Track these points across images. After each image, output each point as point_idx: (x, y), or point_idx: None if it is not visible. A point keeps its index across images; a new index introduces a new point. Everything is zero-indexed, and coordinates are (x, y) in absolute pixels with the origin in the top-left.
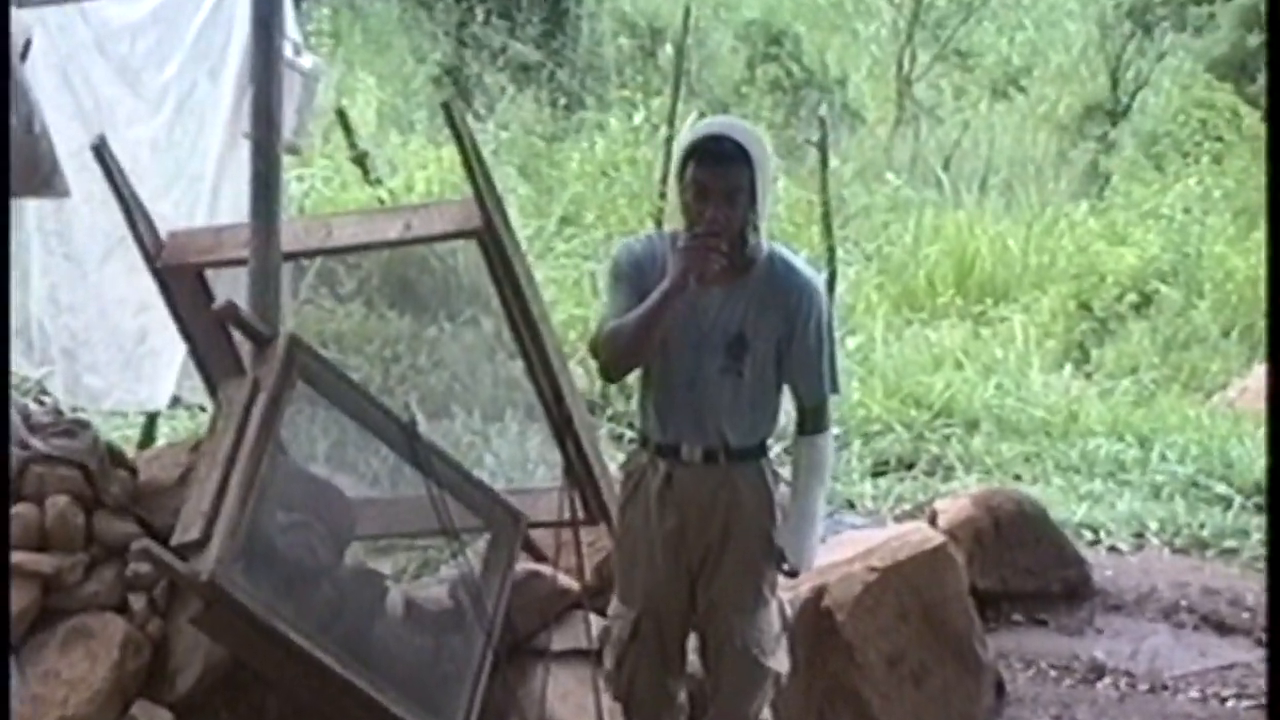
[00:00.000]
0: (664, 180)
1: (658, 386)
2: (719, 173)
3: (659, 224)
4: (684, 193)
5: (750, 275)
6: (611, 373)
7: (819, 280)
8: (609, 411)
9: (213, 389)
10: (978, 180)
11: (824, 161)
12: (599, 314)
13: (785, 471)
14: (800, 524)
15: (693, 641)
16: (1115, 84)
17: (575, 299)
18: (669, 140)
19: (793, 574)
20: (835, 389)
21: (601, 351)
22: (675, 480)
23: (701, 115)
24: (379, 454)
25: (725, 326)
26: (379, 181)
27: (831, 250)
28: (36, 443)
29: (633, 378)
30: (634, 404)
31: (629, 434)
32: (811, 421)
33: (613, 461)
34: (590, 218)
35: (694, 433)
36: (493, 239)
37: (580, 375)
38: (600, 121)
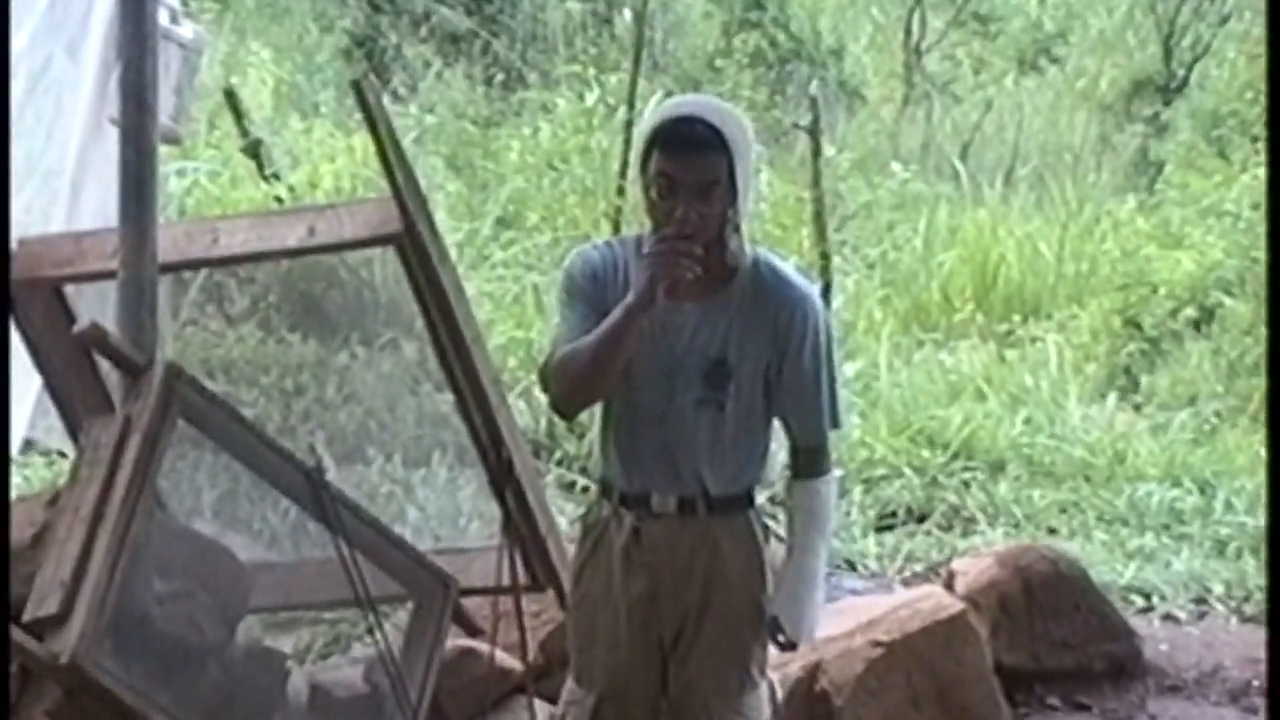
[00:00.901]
0: (623, 173)
1: (621, 424)
2: (690, 163)
3: (617, 227)
4: (648, 188)
5: (731, 287)
6: (564, 407)
7: (815, 292)
8: (558, 454)
9: (73, 430)
10: (1002, 171)
11: (816, 150)
12: (548, 336)
13: (777, 525)
14: (798, 587)
15: None
16: (1168, 54)
17: (516, 318)
18: (629, 125)
19: (790, 647)
20: (837, 423)
21: (552, 382)
22: (644, 536)
23: (668, 94)
24: (278, 508)
25: (703, 349)
26: (276, 176)
27: (826, 257)
28: None
29: (588, 414)
30: (590, 445)
31: (582, 481)
32: (809, 463)
33: (562, 515)
34: (534, 219)
35: (666, 479)
36: (415, 246)
37: (522, 410)
38: (545, 102)
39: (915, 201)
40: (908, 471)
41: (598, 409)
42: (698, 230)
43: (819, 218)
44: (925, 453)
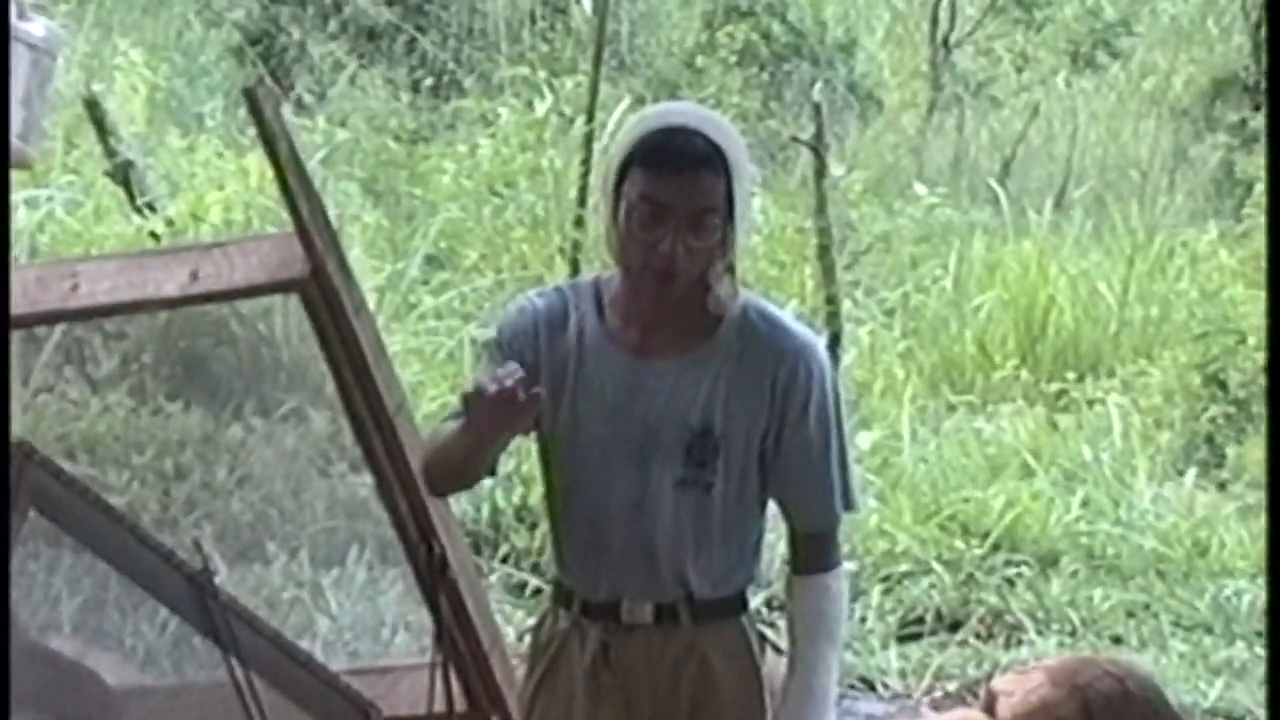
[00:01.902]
0: (583, 200)
1: (580, 514)
2: (683, 185)
3: (575, 267)
4: (625, 215)
5: (715, 340)
6: (430, 489)
7: (819, 343)
8: (503, 549)
9: None
10: (1052, 193)
11: (820, 169)
12: None
13: (775, 633)
14: (806, 709)
15: None
16: (1257, 46)
17: (450, 379)
18: (589, 140)
19: None
20: (850, 505)
21: (423, 454)
22: (615, 653)
23: (638, 101)
24: (155, 620)
25: (683, 418)
26: (151, 207)
27: (833, 301)
28: None
29: (539, 498)
30: (542, 538)
31: (534, 581)
32: (815, 555)
33: (508, 625)
34: (472, 258)
35: (641, 582)
36: (324, 292)
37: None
38: (486, 113)
39: (944, 232)
40: (937, 567)
41: (547, 494)
42: (683, 268)
43: (825, 253)
44: (959, 543)
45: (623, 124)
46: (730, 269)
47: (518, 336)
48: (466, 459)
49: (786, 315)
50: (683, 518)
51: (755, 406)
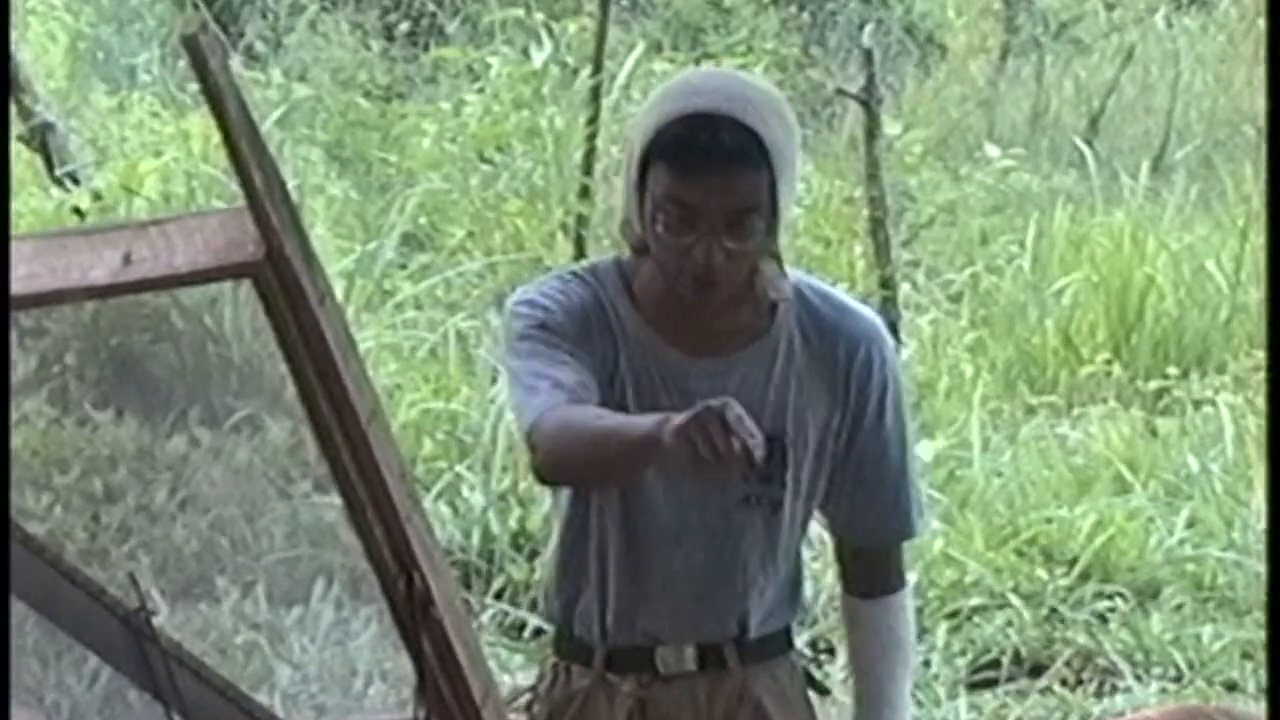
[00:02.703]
0: (589, 166)
1: (610, 544)
2: (715, 186)
3: (580, 246)
4: (651, 214)
5: (775, 329)
6: (553, 473)
7: (883, 325)
8: (498, 582)
9: None
10: (1149, 154)
11: (871, 128)
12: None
13: (822, 673)
14: None
15: None
16: None
17: (433, 381)
18: (596, 93)
19: None
20: (922, 513)
21: (544, 449)
22: (653, 712)
23: (655, 50)
24: (82, 670)
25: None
26: (74, 178)
27: (889, 285)
28: None
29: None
30: (544, 570)
31: (533, 620)
32: (886, 572)
33: (504, 673)
34: (458, 236)
35: (684, 621)
36: (282, 279)
37: (444, 519)
38: (473, 63)
39: (1021, 201)
40: (1015, 601)
41: (558, 519)
42: (724, 275)
43: (878, 227)
44: (1040, 572)
45: (635, 79)
46: (777, 258)
47: (561, 310)
48: (616, 468)
49: (843, 294)
50: (746, 542)
51: (827, 403)
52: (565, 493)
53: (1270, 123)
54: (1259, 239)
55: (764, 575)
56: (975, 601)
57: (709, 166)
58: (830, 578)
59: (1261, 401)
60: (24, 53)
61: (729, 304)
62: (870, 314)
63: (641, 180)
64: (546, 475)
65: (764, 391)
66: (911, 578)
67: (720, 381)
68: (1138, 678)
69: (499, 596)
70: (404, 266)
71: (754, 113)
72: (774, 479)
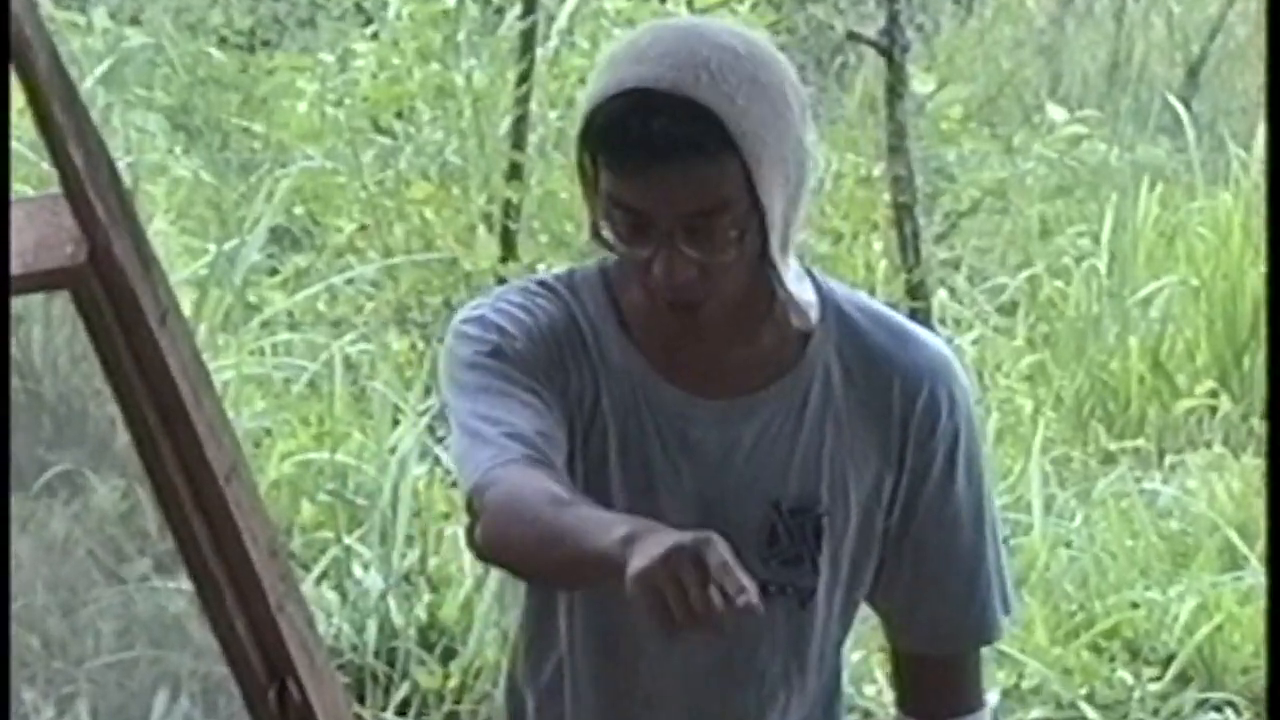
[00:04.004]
0: (519, 139)
1: (585, 642)
2: (658, 182)
3: (508, 242)
4: (602, 211)
5: (807, 361)
6: (490, 555)
7: (954, 360)
8: (400, 692)
9: None
10: (1264, 117)
11: (895, 85)
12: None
13: None
14: None
15: None
16: None
17: (315, 424)
18: (528, 39)
19: None
20: (1008, 607)
21: (487, 520)
22: None
23: None
24: None
25: (770, 487)
26: None
27: (918, 292)
28: None
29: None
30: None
31: None
32: (960, 689)
33: None
34: (345, 231)
35: None
36: (109, 290)
37: (330, 609)
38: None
39: (1094, 178)
40: (1091, 713)
41: (521, 610)
42: (701, 293)
43: (904, 216)
44: (1124, 675)
45: (580, 20)
46: (774, 265)
47: (536, 344)
48: (566, 579)
49: (901, 316)
50: (764, 643)
51: (876, 462)
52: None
53: (1270, 123)
54: None
55: (787, 687)
56: (1038, 714)
57: (647, 161)
58: (879, 689)
59: None
60: None
61: (740, 329)
62: (937, 343)
63: (582, 166)
64: (485, 556)
65: (790, 445)
66: (993, 697)
67: (733, 431)
68: None
69: (403, 711)
70: (274, 272)
71: (711, 83)
72: (803, 561)
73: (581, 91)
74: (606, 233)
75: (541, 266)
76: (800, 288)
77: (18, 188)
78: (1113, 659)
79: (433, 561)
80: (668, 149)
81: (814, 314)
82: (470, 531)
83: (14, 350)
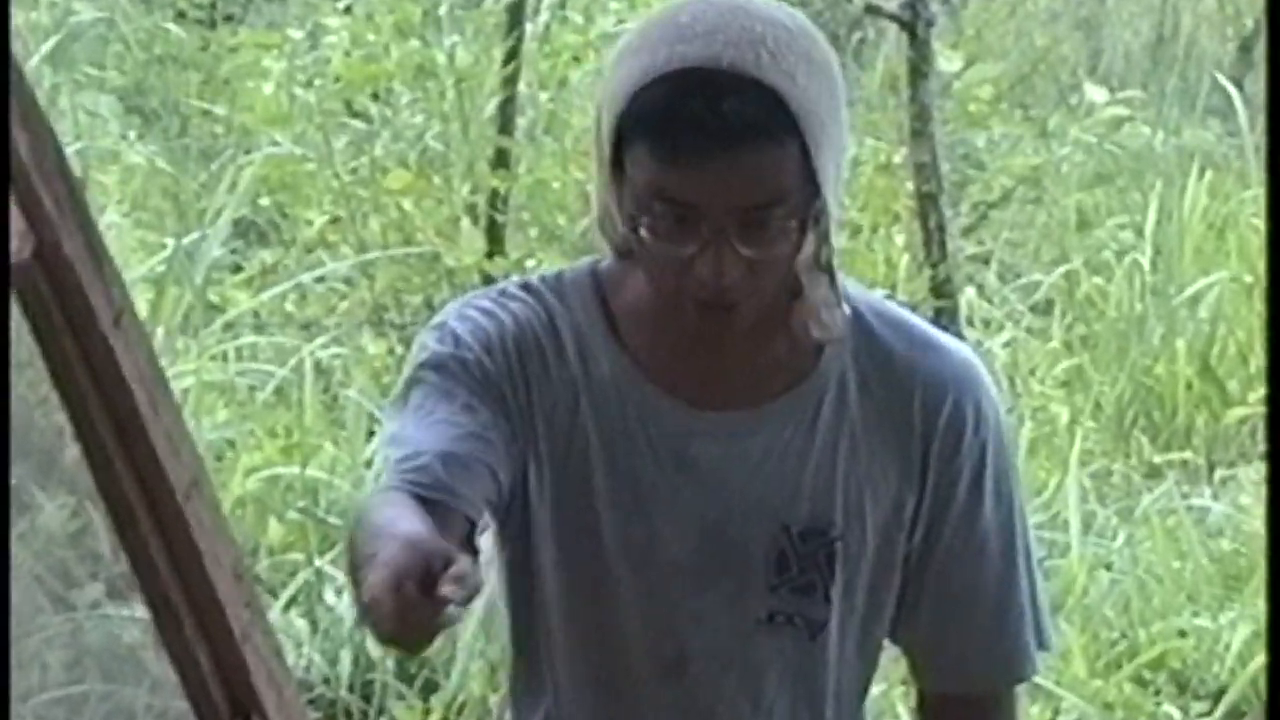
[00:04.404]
0: (506, 122)
1: (580, 673)
2: (720, 173)
3: (494, 235)
4: (633, 207)
5: (820, 372)
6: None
7: (983, 368)
8: None
9: None
10: None
11: (919, 63)
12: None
13: None
14: None
15: None
16: None
17: (282, 436)
18: (515, 12)
19: None
20: (1044, 642)
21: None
22: None
23: None
24: None
25: (778, 509)
26: None
27: (944, 290)
28: None
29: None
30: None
31: None
32: None
33: None
34: (315, 224)
35: None
36: (57, 288)
37: (300, 639)
38: None
39: (1137, 164)
40: None
41: (511, 630)
42: (745, 295)
43: (928, 206)
44: (1171, 709)
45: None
46: (828, 267)
47: (497, 357)
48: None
49: (924, 322)
50: (771, 679)
51: (896, 481)
52: (523, 600)
53: (1270, 120)
54: None
55: None
56: None
57: (709, 148)
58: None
59: None
60: None
61: (753, 335)
62: (964, 350)
63: (617, 161)
64: None
65: (801, 463)
66: None
67: (737, 446)
68: None
69: None
70: (238, 269)
71: (772, 61)
72: (815, 590)
73: (575, 71)
74: (643, 230)
75: (530, 262)
76: (838, 295)
77: None
78: (1158, 692)
79: None
80: (732, 134)
81: (841, 321)
82: None
83: None
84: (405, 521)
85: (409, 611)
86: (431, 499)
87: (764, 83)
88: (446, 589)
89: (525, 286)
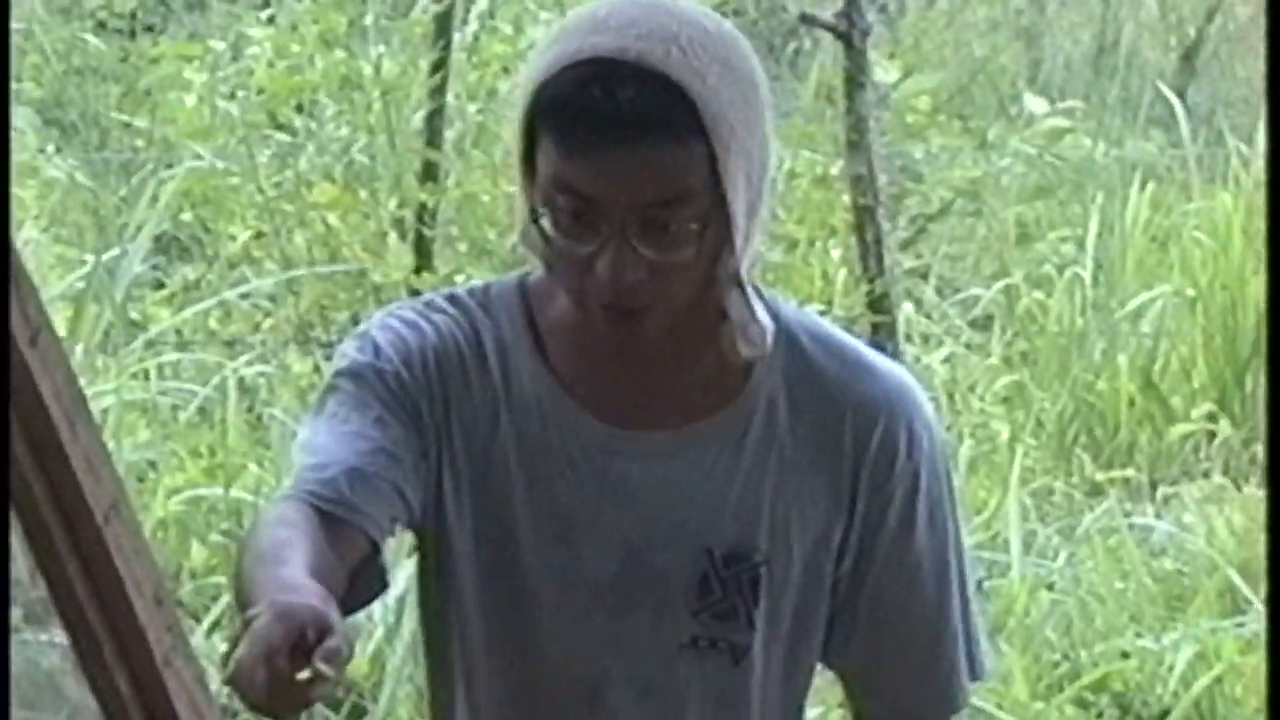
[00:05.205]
0: (433, 135)
1: (500, 702)
2: (618, 164)
3: (423, 249)
4: (540, 204)
5: (748, 393)
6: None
7: (918, 389)
8: None
9: None
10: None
11: (855, 74)
12: None
13: None
14: None
15: None
16: None
17: (205, 456)
18: (444, 22)
19: None
20: (977, 671)
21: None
22: None
23: None
24: None
25: (700, 532)
26: None
27: (881, 306)
28: None
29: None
30: None
31: None
32: None
33: None
34: (239, 239)
35: None
36: None
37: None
38: None
39: (1078, 176)
40: None
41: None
42: (647, 299)
43: (865, 220)
44: None
45: (502, 2)
46: (736, 278)
47: (415, 369)
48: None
49: (858, 343)
50: (692, 704)
51: (825, 506)
52: (441, 625)
53: (1270, 119)
54: None
55: None
56: None
57: (606, 138)
58: None
59: None
60: None
61: (678, 353)
62: (898, 373)
63: (529, 158)
64: None
65: (726, 485)
66: None
67: (660, 468)
68: None
69: None
70: (160, 285)
71: (682, 58)
72: (738, 615)
73: (504, 82)
74: (544, 222)
75: (460, 277)
76: (755, 310)
77: None
78: (1100, 715)
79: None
80: (630, 125)
81: (767, 337)
82: None
83: None
84: (290, 563)
85: (279, 687)
86: (334, 514)
87: (670, 77)
88: (319, 665)
89: (451, 298)
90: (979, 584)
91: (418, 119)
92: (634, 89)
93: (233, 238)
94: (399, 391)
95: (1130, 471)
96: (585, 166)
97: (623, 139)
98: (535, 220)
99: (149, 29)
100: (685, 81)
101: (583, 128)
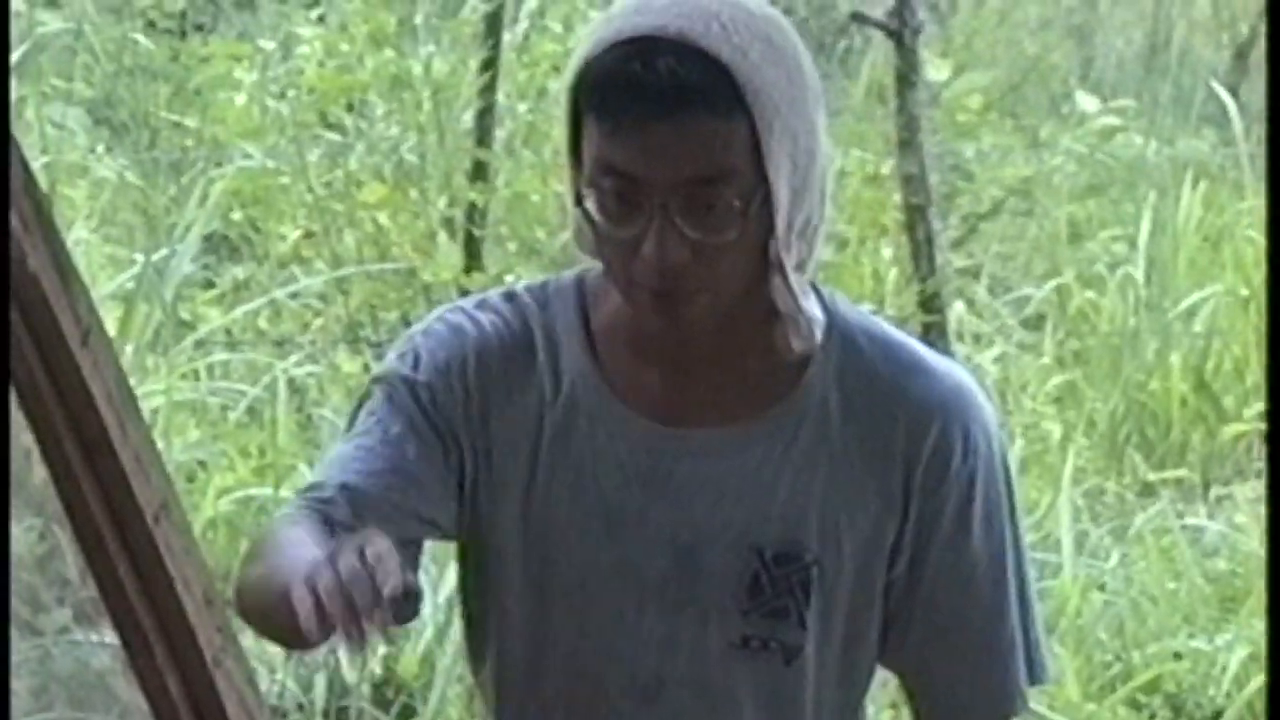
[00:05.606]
0: (483, 135)
1: (547, 699)
2: (658, 139)
3: (472, 248)
4: (585, 189)
5: (800, 391)
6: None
7: (977, 389)
8: None
9: None
10: None
11: (906, 72)
12: None
13: None
14: None
15: None
16: None
17: (255, 456)
18: (494, 22)
19: None
20: (1037, 674)
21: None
22: None
23: None
24: None
25: (749, 532)
26: None
27: (932, 305)
28: None
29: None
30: None
31: None
32: None
33: None
34: (289, 239)
35: None
36: (24, 307)
37: (271, 657)
38: None
39: (1130, 175)
40: None
41: (470, 652)
42: (690, 282)
43: (916, 219)
44: None
45: (553, 2)
46: (792, 270)
47: (448, 379)
48: (269, 636)
49: (914, 342)
50: (746, 705)
51: (877, 507)
52: (487, 621)
53: (1270, 120)
54: None
55: None
56: None
57: (647, 113)
58: None
59: None
60: None
61: (727, 351)
62: (956, 374)
63: (575, 142)
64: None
65: (774, 484)
66: None
67: (708, 466)
68: None
69: None
70: (210, 285)
71: (723, 33)
72: (789, 615)
73: (554, 81)
74: (590, 205)
75: (509, 277)
76: (807, 304)
77: None
78: (1153, 716)
79: None
80: (669, 98)
81: (818, 334)
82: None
83: None
84: (314, 547)
85: (355, 582)
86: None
87: (709, 52)
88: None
89: (509, 295)
90: (1037, 591)
91: (467, 118)
92: (673, 61)
93: (282, 237)
94: (429, 405)
95: (1183, 472)
96: (626, 143)
97: (662, 112)
98: (581, 205)
99: (199, 28)
100: (725, 56)
101: (623, 101)
